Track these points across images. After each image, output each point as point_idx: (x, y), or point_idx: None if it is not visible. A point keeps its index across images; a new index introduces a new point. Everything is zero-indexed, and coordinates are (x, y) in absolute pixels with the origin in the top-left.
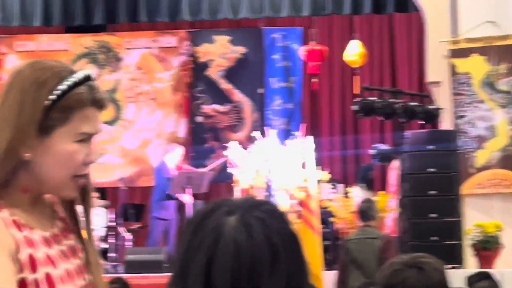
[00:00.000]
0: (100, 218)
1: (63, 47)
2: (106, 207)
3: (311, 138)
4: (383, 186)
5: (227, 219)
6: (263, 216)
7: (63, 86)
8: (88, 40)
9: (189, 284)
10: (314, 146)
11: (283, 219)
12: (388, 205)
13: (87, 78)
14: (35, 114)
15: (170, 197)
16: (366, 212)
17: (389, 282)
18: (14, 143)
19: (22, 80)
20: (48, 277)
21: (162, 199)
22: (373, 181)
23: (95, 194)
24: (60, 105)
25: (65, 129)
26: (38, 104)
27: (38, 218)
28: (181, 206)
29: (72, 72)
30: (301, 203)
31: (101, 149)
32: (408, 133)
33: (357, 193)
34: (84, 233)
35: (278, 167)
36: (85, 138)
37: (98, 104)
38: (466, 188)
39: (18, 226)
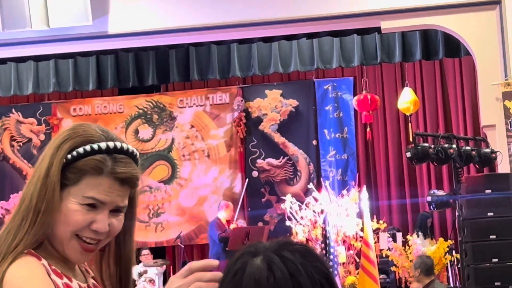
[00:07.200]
0: (159, 277)
1: (117, 109)
2: (165, 265)
3: (366, 188)
4: (441, 233)
5: (252, 259)
6: (292, 255)
7: (80, 149)
8: (141, 101)
9: None
10: (369, 195)
11: (316, 259)
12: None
13: (115, 150)
14: (56, 171)
15: (228, 253)
16: (431, 267)
17: None
18: (45, 199)
19: (56, 138)
20: None
21: (218, 254)
22: (432, 229)
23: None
24: (74, 166)
25: (74, 190)
26: (58, 161)
27: (72, 271)
28: None
29: (107, 141)
30: (360, 253)
31: (158, 209)
32: (464, 178)
33: (416, 241)
34: None
35: (335, 218)
36: (94, 204)
37: (117, 177)
38: None
39: (58, 274)
